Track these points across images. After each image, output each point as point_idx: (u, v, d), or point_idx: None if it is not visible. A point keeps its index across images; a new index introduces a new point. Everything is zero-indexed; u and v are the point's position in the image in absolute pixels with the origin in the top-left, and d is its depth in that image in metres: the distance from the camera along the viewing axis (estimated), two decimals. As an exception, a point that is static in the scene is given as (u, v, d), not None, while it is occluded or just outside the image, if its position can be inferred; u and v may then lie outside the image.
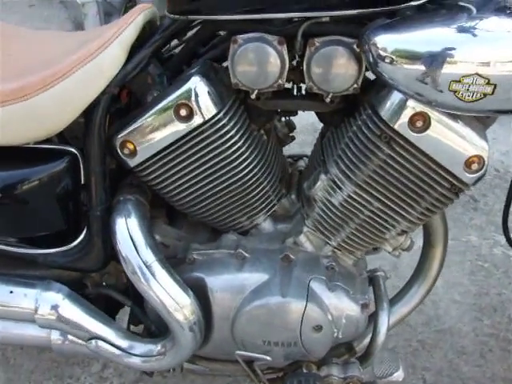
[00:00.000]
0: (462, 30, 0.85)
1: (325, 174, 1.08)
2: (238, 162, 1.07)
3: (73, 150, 1.07)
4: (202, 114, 1.01)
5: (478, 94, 0.86)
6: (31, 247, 1.14)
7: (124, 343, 1.13)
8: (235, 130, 1.05)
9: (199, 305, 1.10)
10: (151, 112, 1.03)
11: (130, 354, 1.13)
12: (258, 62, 0.98)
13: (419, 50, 0.87)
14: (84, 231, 1.12)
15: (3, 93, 0.97)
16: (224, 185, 1.09)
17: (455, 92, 0.86)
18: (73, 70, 0.98)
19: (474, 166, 0.99)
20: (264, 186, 1.13)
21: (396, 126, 0.96)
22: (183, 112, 1.01)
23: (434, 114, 0.94)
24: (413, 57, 0.88)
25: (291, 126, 1.27)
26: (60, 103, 0.99)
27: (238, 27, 0.99)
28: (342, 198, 1.06)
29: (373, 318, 1.19)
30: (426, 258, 1.30)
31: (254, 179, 1.10)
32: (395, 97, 0.95)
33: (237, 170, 1.07)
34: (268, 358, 1.09)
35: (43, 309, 1.10)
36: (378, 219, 1.07)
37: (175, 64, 1.11)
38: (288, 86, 1.06)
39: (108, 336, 1.13)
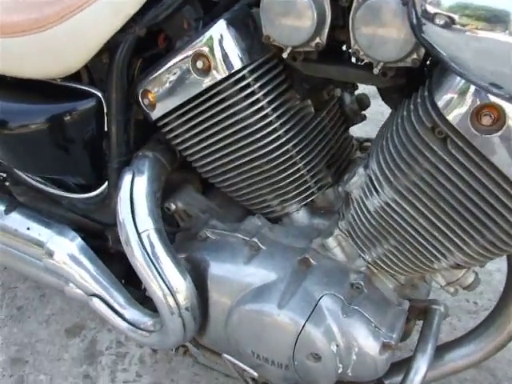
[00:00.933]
0: None
1: (364, 169, 0.82)
2: (264, 132, 0.85)
3: (97, 92, 0.95)
4: (219, 68, 0.82)
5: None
6: (57, 188, 1.07)
7: (120, 307, 1.02)
8: (263, 93, 0.83)
9: (195, 290, 0.93)
10: (171, 61, 0.86)
11: (121, 317, 1.01)
12: (290, 11, 0.74)
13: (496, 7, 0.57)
14: (106, 182, 1.02)
15: (19, 23, 0.88)
16: (249, 157, 0.89)
17: None
18: (88, 2, 0.84)
19: None
20: (299, 169, 0.90)
21: (451, 118, 0.66)
22: (200, 64, 0.83)
23: (509, 109, 0.62)
24: (484, 18, 0.57)
25: (363, 103, 1.00)
26: (75, 37, 0.87)
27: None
28: (379, 204, 0.79)
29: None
30: (509, 293, 0.95)
31: (286, 157, 0.88)
32: (455, 77, 0.65)
33: (263, 142, 0.86)
34: (255, 373, 0.89)
35: (52, 252, 1.03)
36: (422, 241, 0.78)
37: (221, 8, 0.91)
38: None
39: (107, 296, 1.02)
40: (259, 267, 0.90)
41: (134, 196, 0.92)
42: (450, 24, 0.59)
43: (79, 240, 1.05)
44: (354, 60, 0.81)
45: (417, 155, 0.71)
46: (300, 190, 0.92)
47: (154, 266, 0.91)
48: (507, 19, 0.57)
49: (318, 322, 0.83)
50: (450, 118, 0.67)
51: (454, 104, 0.66)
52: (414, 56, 0.71)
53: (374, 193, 0.78)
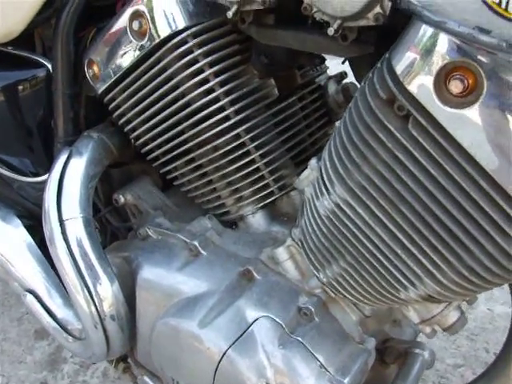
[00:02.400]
0: None
1: (317, 160, 0.62)
2: (210, 110, 0.68)
3: (47, 63, 0.82)
4: (157, 28, 0.66)
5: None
6: (7, 169, 0.94)
7: (54, 306, 0.86)
8: (208, 61, 0.67)
9: (123, 296, 0.75)
10: (112, 25, 0.71)
11: (53, 317, 0.85)
12: (229, -48, 0.58)
13: None
14: (56, 165, 0.87)
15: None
16: (196, 141, 0.72)
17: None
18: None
19: None
20: (254, 160, 0.72)
21: (413, 88, 0.46)
22: (135, 25, 0.67)
23: (489, 72, 0.42)
24: None
25: (350, 94, 0.80)
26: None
27: None
28: (329, 206, 0.58)
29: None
30: None
31: (237, 143, 0.70)
32: (418, 31, 0.45)
33: (209, 123, 0.69)
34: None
35: (-10, 239, 0.90)
36: (382, 259, 0.57)
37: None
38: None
39: (42, 293, 0.87)
40: (193, 275, 0.71)
41: (66, 179, 0.77)
42: None
43: (22, 229, 0.91)
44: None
45: (370, 138, 0.51)
46: (256, 187, 0.73)
47: (76, 265, 0.74)
48: None
49: (246, 350, 0.62)
50: (410, 87, 0.47)
51: (416, 67, 0.46)
52: (377, 9, 0.51)
53: (324, 191, 0.58)
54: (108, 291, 0.75)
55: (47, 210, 0.76)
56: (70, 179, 0.77)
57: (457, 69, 0.44)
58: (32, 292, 0.88)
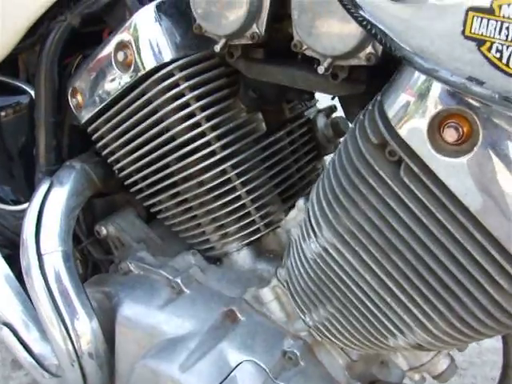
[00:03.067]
0: None
1: (305, 201, 0.59)
2: (196, 145, 0.66)
3: (28, 89, 0.79)
4: (143, 61, 0.63)
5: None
6: (-12, 196, 0.90)
7: (31, 340, 0.81)
8: (194, 94, 0.64)
9: (102, 334, 0.71)
10: (97, 54, 0.69)
11: (29, 352, 0.80)
12: (217, -11, 0.56)
13: None
14: (36, 194, 0.84)
15: None
16: (181, 175, 0.69)
17: (480, 44, 0.32)
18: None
19: None
20: (240, 196, 0.69)
21: (405, 133, 0.44)
22: (120, 56, 0.65)
23: (485, 120, 0.40)
24: None
25: (340, 129, 0.78)
26: (-6, 19, 0.72)
27: None
28: (316, 250, 0.55)
29: None
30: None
31: (223, 179, 0.68)
32: (412, 75, 0.43)
33: (195, 158, 0.66)
34: None
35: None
36: (370, 306, 0.54)
37: None
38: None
39: (19, 326, 0.82)
40: (175, 314, 0.68)
41: (45, 210, 0.73)
42: None
43: (0, 259, 0.87)
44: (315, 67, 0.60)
45: (359, 184, 0.49)
46: (242, 224, 0.70)
47: (53, 301, 0.70)
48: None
49: (228, 397, 0.59)
50: (401, 132, 0.44)
51: (409, 113, 0.44)
52: (369, 49, 0.50)
53: (312, 234, 0.56)
54: (86, 328, 0.71)
55: (25, 242, 0.72)
56: (49, 211, 0.73)
57: (451, 116, 0.41)
58: (8, 325, 0.84)
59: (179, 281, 0.70)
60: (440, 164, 0.43)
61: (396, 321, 0.53)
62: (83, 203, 0.77)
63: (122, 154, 0.73)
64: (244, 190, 0.68)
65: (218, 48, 0.59)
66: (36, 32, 0.74)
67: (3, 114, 0.82)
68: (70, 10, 0.72)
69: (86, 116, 0.74)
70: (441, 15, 0.33)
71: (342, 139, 0.59)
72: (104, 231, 0.82)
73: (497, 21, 0.30)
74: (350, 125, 0.64)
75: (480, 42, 0.31)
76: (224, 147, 0.66)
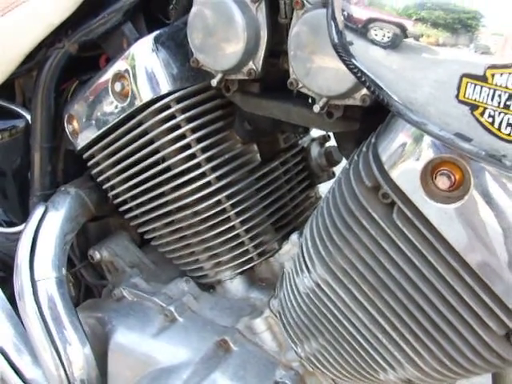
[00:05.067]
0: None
1: (299, 235, 0.60)
2: (191, 175, 0.66)
3: (25, 114, 0.79)
4: (139, 92, 0.64)
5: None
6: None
7: (22, 365, 0.81)
8: (190, 127, 0.65)
9: (94, 360, 0.71)
10: (93, 83, 0.69)
11: (21, 377, 0.80)
12: (216, 27, 0.56)
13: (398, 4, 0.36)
14: (30, 217, 0.84)
15: None
16: (176, 205, 0.69)
17: (474, 108, 0.32)
18: (9, 7, 0.70)
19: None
20: (234, 227, 0.69)
21: (397, 178, 0.45)
22: (117, 87, 0.66)
23: (476, 169, 0.41)
24: (387, 18, 0.37)
25: (333, 158, 0.79)
26: (-8, 46, 0.72)
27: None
28: (309, 284, 0.56)
29: None
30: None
31: (217, 210, 0.68)
32: (405, 122, 0.44)
33: (190, 188, 0.67)
34: None
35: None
36: (362, 341, 0.54)
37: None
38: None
39: (11, 351, 0.82)
40: (168, 343, 0.68)
41: (40, 236, 0.73)
42: (394, 40, 0.38)
43: (-6, 284, 0.87)
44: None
45: (353, 224, 0.49)
46: (235, 253, 0.71)
47: (46, 327, 0.70)
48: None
49: (220, 429, 0.59)
50: (395, 176, 0.45)
51: (402, 158, 0.45)
52: (364, 91, 0.51)
53: (305, 269, 0.56)
54: (79, 354, 0.71)
55: (19, 268, 0.73)
56: (44, 236, 0.73)
57: (444, 164, 0.42)
58: (-1, 349, 0.84)
59: (172, 309, 0.70)
60: (432, 209, 0.44)
61: (387, 357, 0.54)
62: (77, 229, 0.77)
63: (117, 181, 0.73)
64: (238, 220, 0.69)
65: (214, 82, 0.60)
66: (34, 58, 0.75)
67: (-2, 138, 0.82)
68: (67, 37, 0.73)
69: (82, 143, 0.74)
70: (435, 73, 0.34)
71: (335, 179, 0.59)
72: (97, 255, 0.82)
73: (489, 88, 0.31)
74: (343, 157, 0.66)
75: (473, 107, 0.32)
76: (219, 178, 0.67)
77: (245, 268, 0.72)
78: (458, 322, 0.47)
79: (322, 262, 0.53)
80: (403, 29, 0.36)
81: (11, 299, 0.88)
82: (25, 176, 0.84)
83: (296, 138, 0.77)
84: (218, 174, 0.66)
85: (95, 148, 0.73)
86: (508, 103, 0.30)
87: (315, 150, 0.80)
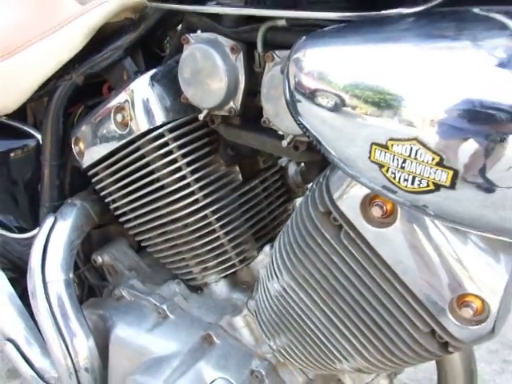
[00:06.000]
0: (422, 53, 0.43)
1: (270, 247, 0.73)
2: (181, 194, 0.78)
3: (37, 134, 0.92)
4: (137, 123, 0.76)
5: (424, 182, 0.43)
6: (-5, 224, 1.03)
7: (31, 354, 0.94)
8: (181, 153, 0.77)
9: (97, 351, 0.84)
10: (98, 112, 0.82)
11: (30, 365, 0.93)
12: (202, 72, 0.69)
13: (337, 80, 0.48)
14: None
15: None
16: (168, 218, 0.82)
17: (381, 167, 0.45)
18: (27, 44, 0.82)
19: (467, 313, 0.54)
20: (219, 237, 0.82)
21: (343, 207, 0.57)
22: (119, 117, 0.78)
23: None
24: (328, 89, 0.48)
25: (307, 176, 0.91)
26: (10, 78, 0.84)
27: (204, 25, 0.71)
28: (278, 288, 0.69)
29: None
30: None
31: (204, 223, 0.80)
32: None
33: (181, 205, 0.79)
34: None
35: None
36: (321, 337, 0.67)
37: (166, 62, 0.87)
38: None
39: (21, 342, 0.95)
40: (161, 337, 0.81)
41: (50, 243, 0.86)
42: (337, 106, 0.50)
43: (5, 281, 0.99)
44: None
45: (310, 242, 0.62)
46: (220, 260, 0.83)
47: (56, 322, 0.83)
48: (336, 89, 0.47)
49: (203, 409, 0.72)
50: (341, 205, 0.58)
51: (347, 190, 0.57)
52: (322, 132, 0.63)
53: (274, 276, 0.69)
54: (83, 346, 0.84)
55: (32, 271, 0.85)
56: (54, 244, 0.86)
57: (378, 197, 0.55)
58: (12, 341, 0.96)
59: (165, 307, 0.83)
60: (369, 232, 0.56)
61: (341, 349, 0.66)
62: (83, 236, 0.90)
63: (118, 195, 0.85)
64: (222, 231, 0.81)
65: (201, 116, 0.72)
66: (45, 88, 0.87)
67: (12, 154, 0.94)
68: (74, 70, 0.85)
69: (87, 162, 0.86)
70: (359, 137, 0.46)
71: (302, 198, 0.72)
72: (100, 260, 0.95)
73: (390, 154, 0.43)
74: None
75: (380, 166, 0.44)
76: (206, 196, 0.79)
77: (228, 273, 0.85)
78: (393, 321, 0.60)
79: (287, 271, 0.66)
80: (342, 100, 0.48)
81: (21, 297, 1.02)
82: (34, 187, 0.96)
83: (274, 158, 0.90)
84: (204, 192, 0.79)
85: (99, 167, 0.85)
86: (403, 165, 0.43)
87: (292, 169, 0.92)
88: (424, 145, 0.40)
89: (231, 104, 0.70)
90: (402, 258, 0.56)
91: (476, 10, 0.47)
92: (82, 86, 0.88)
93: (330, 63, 0.48)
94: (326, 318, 0.65)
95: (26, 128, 0.93)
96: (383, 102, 0.42)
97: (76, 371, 0.83)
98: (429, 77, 0.42)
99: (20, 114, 0.94)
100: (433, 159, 0.40)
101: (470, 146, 0.39)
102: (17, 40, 0.83)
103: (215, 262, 0.84)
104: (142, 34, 0.83)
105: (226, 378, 0.74)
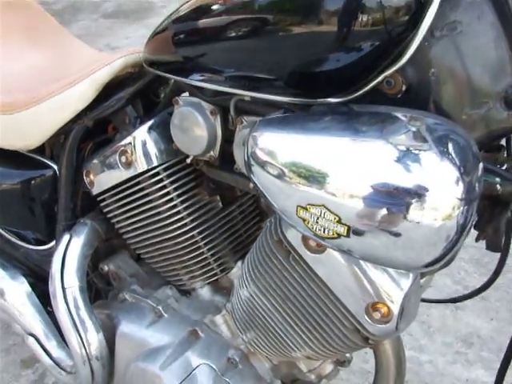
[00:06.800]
0: (330, 144, 0.66)
1: (242, 262, 0.96)
2: (171, 220, 1.01)
3: (53, 165, 1.14)
4: (139, 164, 0.99)
5: (331, 232, 0.66)
6: (16, 238, 1.25)
7: (49, 346, 1.18)
8: (173, 187, 0.99)
9: (105, 343, 1.08)
10: (106, 152, 1.04)
11: (49, 356, 1.17)
12: (188, 128, 0.92)
13: (279, 157, 0.70)
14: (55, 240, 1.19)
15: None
16: (162, 238, 1.05)
17: (304, 220, 0.68)
18: (49, 96, 1.05)
19: (377, 316, 0.77)
20: (203, 252, 1.05)
21: (290, 239, 0.81)
22: (123, 159, 1.00)
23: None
24: (272, 162, 0.71)
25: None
26: (34, 123, 1.08)
27: (189, 90, 0.94)
28: (247, 295, 0.92)
29: None
30: None
31: (191, 242, 1.03)
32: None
33: (170, 229, 1.02)
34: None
35: (3, 293, 1.21)
36: (280, 332, 0.91)
37: (160, 108, 1.09)
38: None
39: (41, 336, 1.18)
40: (157, 331, 1.04)
41: (67, 257, 1.09)
42: (278, 175, 0.72)
43: (26, 285, 1.23)
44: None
45: (268, 261, 0.85)
46: (204, 270, 1.07)
47: (73, 319, 1.06)
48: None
49: (190, 386, 0.96)
50: (288, 237, 0.81)
51: (289, 224, 0.80)
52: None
53: (244, 285, 0.92)
54: (95, 339, 1.07)
55: (53, 278, 1.08)
56: (70, 257, 1.09)
57: (314, 231, 0.78)
58: (33, 335, 1.20)
59: (160, 308, 1.06)
60: (309, 257, 0.79)
61: (294, 342, 0.89)
62: (93, 250, 1.13)
63: (122, 218, 1.08)
64: (206, 248, 1.04)
65: (188, 160, 0.95)
66: (62, 130, 1.09)
67: (33, 182, 1.17)
68: (86, 116, 1.07)
69: (96, 190, 1.09)
70: (288, 198, 0.69)
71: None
72: (106, 268, 1.18)
73: (309, 213, 0.66)
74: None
75: (304, 220, 0.67)
76: (193, 220, 1.02)
77: (211, 280, 1.08)
78: (329, 321, 0.83)
79: (253, 282, 0.89)
80: (281, 171, 0.70)
81: (39, 297, 1.25)
82: (51, 208, 1.18)
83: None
84: (192, 217, 1.01)
85: (106, 195, 1.08)
86: (317, 221, 0.65)
87: (264, 194, 1.15)
88: (328, 209, 0.63)
89: (211, 153, 0.92)
90: (332, 276, 0.79)
91: (382, 108, 0.70)
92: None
93: (276, 144, 0.70)
94: (282, 318, 0.88)
95: (44, 160, 1.16)
96: (307, 178, 0.65)
97: (89, 359, 1.07)
98: (337, 162, 0.64)
99: (39, 148, 1.17)
100: (334, 218, 0.64)
101: (358, 212, 0.62)
102: (41, 91, 1.06)
103: (200, 271, 1.07)
104: (140, 87, 1.06)
105: (208, 363, 0.98)
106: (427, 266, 0.67)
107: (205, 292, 1.09)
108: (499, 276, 0.88)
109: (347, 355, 1.10)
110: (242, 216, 1.11)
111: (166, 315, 1.06)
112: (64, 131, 1.10)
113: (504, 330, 1.67)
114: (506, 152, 0.83)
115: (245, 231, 1.12)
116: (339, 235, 0.65)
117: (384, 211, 0.62)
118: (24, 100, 1.07)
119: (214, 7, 0.82)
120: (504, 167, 0.81)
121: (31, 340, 1.19)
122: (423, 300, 1.01)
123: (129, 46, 3.76)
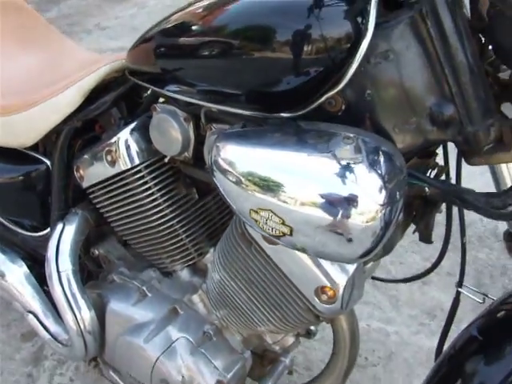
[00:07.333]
0: (279, 157, 0.80)
1: (214, 249, 1.11)
2: (153, 211, 1.16)
3: (47, 161, 1.28)
4: (122, 162, 1.13)
5: (277, 231, 0.81)
6: (15, 225, 1.40)
7: (47, 322, 1.34)
8: (154, 182, 1.14)
9: (96, 319, 1.24)
10: (94, 150, 1.18)
11: (47, 331, 1.33)
12: (165, 132, 1.05)
13: (237, 166, 0.83)
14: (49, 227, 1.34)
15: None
16: (144, 227, 1.19)
17: (256, 221, 0.83)
18: (41, 100, 1.18)
19: (325, 297, 0.93)
20: (182, 239, 1.19)
21: (250, 231, 0.95)
22: (109, 157, 1.14)
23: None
24: (231, 170, 0.84)
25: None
26: (27, 124, 1.21)
27: (166, 98, 1.07)
28: (218, 277, 1.08)
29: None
30: (330, 362, 1.22)
31: (171, 230, 1.18)
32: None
33: (152, 219, 1.17)
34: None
35: (3, 274, 1.36)
36: (246, 310, 1.06)
37: (143, 109, 1.22)
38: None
39: (39, 313, 1.34)
40: (141, 309, 1.20)
41: (61, 243, 1.24)
42: (236, 182, 0.86)
43: (25, 267, 1.38)
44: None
45: (234, 250, 1.01)
46: (183, 254, 1.22)
47: (67, 299, 1.22)
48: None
49: (170, 357, 1.12)
50: (249, 230, 0.95)
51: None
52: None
53: (216, 269, 1.08)
54: (87, 315, 1.23)
55: (49, 263, 1.23)
56: (64, 243, 1.24)
57: (271, 226, 0.93)
58: (32, 312, 1.36)
59: (145, 288, 1.21)
60: (267, 247, 0.94)
61: (258, 318, 1.05)
62: (84, 236, 1.28)
63: (109, 208, 1.22)
64: (184, 235, 1.19)
65: (166, 160, 1.09)
66: (53, 130, 1.22)
67: (28, 175, 1.31)
68: (75, 117, 1.21)
69: (86, 184, 1.23)
70: (243, 202, 0.84)
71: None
72: (96, 252, 1.33)
73: (259, 216, 0.81)
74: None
75: (256, 221, 0.82)
76: (172, 211, 1.16)
77: (189, 263, 1.23)
78: (286, 302, 0.98)
79: (222, 267, 1.05)
80: (238, 179, 0.84)
81: (36, 278, 1.40)
82: (45, 198, 1.32)
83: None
84: (171, 208, 1.16)
85: (95, 188, 1.22)
86: (266, 222, 0.80)
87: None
88: (275, 213, 0.78)
89: (186, 153, 1.06)
90: (286, 264, 0.94)
91: (324, 126, 0.84)
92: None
93: (234, 155, 0.85)
94: (248, 298, 1.04)
95: (38, 156, 1.30)
96: (258, 185, 0.80)
97: (82, 333, 1.23)
98: (282, 173, 0.79)
99: (33, 145, 1.31)
100: (279, 220, 0.78)
101: (298, 215, 0.77)
102: (34, 96, 1.19)
103: (180, 255, 1.22)
104: (123, 91, 1.19)
105: (186, 337, 1.14)
106: (361, 257, 0.82)
107: (184, 274, 1.25)
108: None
109: (312, 328, 1.28)
110: (217, 206, 1.26)
111: (149, 294, 1.21)
112: (55, 131, 1.23)
113: (465, 303, 1.84)
114: (443, 157, 0.98)
115: (219, 219, 1.27)
116: (284, 234, 0.80)
117: (320, 214, 0.76)
118: (18, 103, 1.20)
119: (194, 27, 0.94)
120: (435, 171, 0.96)
121: (30, 317, 1.35)
122: (374, 278, 1.18)
123: (118, 26, 3.86)
